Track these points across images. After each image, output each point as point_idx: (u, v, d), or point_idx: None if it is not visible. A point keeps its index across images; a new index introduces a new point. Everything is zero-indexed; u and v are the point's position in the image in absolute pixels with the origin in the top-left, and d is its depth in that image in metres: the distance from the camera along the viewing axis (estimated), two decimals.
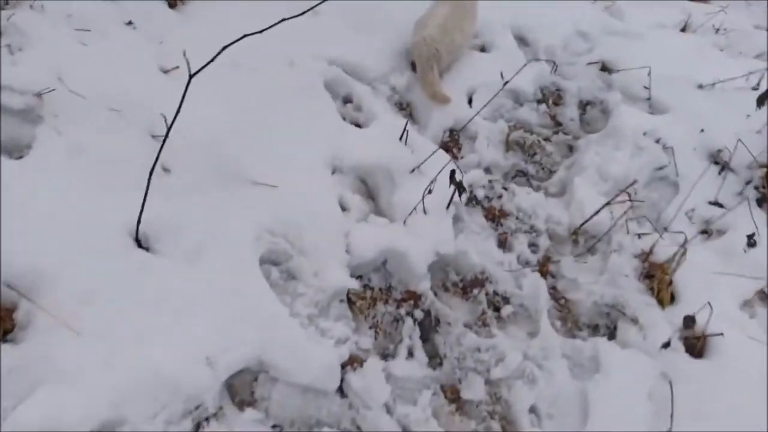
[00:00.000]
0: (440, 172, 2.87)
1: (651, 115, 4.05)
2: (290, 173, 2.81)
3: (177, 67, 2.95)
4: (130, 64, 2.88)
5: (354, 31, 3.98)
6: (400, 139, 3.31)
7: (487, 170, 3.62)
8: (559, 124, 4.06)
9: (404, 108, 3.80)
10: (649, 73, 4.12)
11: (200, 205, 2.51)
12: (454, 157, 3.63)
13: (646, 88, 4.16)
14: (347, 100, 3.62)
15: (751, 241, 2.56)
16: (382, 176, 3.11)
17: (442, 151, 3.42)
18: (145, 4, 3.34)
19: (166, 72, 2.98)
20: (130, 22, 3.13)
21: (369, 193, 3.15)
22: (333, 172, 3.05)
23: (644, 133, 3.78)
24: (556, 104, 4.18)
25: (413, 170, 3.14)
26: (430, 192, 2.80)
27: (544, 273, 3.05)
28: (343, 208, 2.93)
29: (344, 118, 3.43)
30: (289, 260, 2.53)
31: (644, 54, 4.45)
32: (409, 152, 3.25)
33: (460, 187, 2.77)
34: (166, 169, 2.57)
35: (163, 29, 3.23)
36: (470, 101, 3.91)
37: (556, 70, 4.32)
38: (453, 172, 2.73)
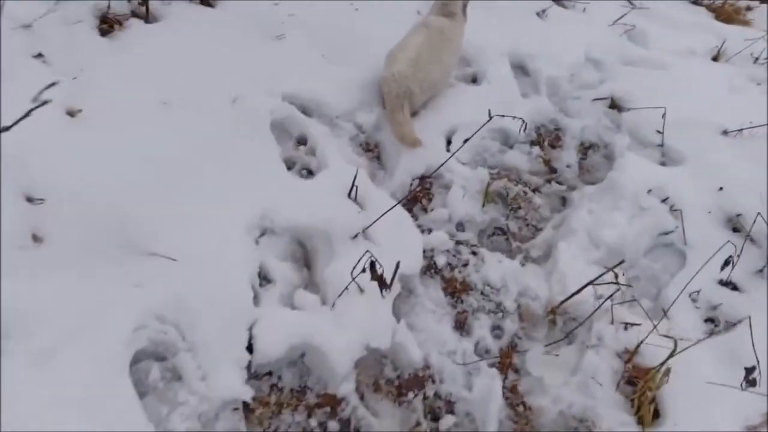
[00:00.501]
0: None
1: (662, 166, 3.48)
2: (201, 241, 2.39)
3: (80, 110, 2.56)
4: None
5: (322, 60, 3.53)
6: (349, 194, 2.83)
7: (460, 227, 3.12)
8: (553, 170, 3.52)
9: (371, 149, 3.33)
10: (663, 115, 3.53)
11: (74, 285, 2.11)
12: (423, 210, 3.15)
13: (659, 132, 3.57)
14: (301, 142, 3.17)
15: (750, 378, 1.96)
16: (320, 240, 2.65)
17: (400, 210, 2.94)
18: (71, 31, 2.95)
19: (71, 115, 2.58)
20: (39, 54, 2.75)
21: (306, 259, 2.70)
22: (262, 234, 2.61)
23: (649, 191, 3.21)
24: (552, 147, 3.63)
25: (356, 235, 2.67)
26: (363, 270, 2.32)
27: (504, 367, 2.55)
28: (267, 280, 2.49)
29: (290, 167, 2.99)
30: (176, 355, 2.10)
31: (664, 88, 3.87)
32: (356, 210, 2.78)
33: (381, 283, 2.29)
34: (37, 239, 2.17)
35: (85, 61, 2.83)
36: (449, 143, 3.41)
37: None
38: (372, 265, 2.24)
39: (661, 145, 3.56)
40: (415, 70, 3.20)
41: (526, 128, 3.03)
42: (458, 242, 3.03)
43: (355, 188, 2.82)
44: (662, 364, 2.29)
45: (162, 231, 2.37)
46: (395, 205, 2.81)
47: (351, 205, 2.82)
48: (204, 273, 2.29)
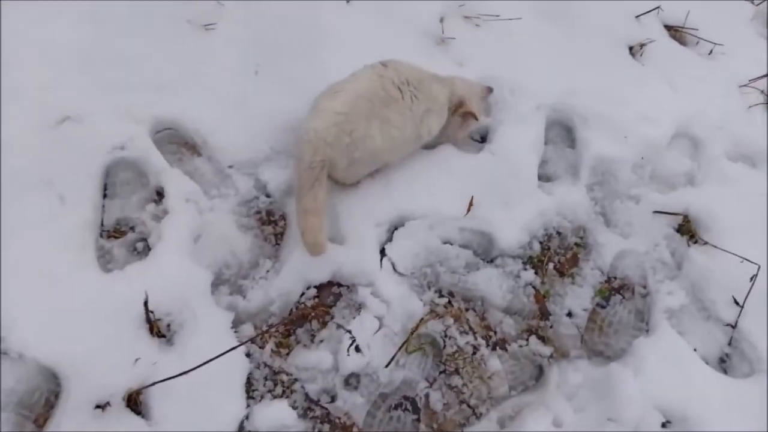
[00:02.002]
0: None
1: (719, 371, 2.08)
2: None
3: None
4: None
5: (248, 71, 2.43)
6: (149, 321, 1.81)
7: (348, 383, 2.01)
8: (545, 315, 2.25)
9: (272, 223, 2.24)
10: (754, 278, 2.10)
11: None
12: (311, 337, 2.06)
13: (736, 303, 2.15)
14: (160, 194, 2.16)
15: None
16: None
17: (241, 356, 1.88)
18: None
19: None
20: None
21: None
22: None
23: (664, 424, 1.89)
24: (560, 273, 2.34)
25: (105, 405, 1.66)
26: None
27: None
28: None
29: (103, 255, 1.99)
30: None
31: None
32: (153, 348, 1.76)
33: None
34: None
35: None
36: (390, 240, 2.24)
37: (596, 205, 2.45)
38: None
39: (733, 327, 2.14)
40: (340, 131, 2.03)
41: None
42: (326, 420, 1.93)
43: (150, 315, 1.78)
44: None
45: None
46: (227, 351, 1.71)
47: (142, 340, 1.79)
48: None
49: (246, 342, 1.89)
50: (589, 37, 2.94)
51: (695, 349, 2.09)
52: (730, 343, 2.11)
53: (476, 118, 2.35)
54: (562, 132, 2.67)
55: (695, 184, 2.57)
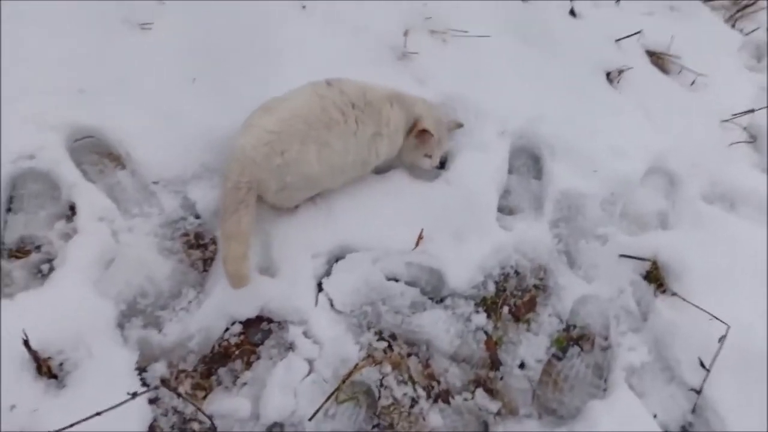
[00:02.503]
0: None
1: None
2: None
3: None
4: None
5: (183, 78, 2.22)
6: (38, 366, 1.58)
7: None
8: (495, 365, 2.04)
9: (200, 246, 2.02)
10: (722, 338, 1.92)
11: None
12: (233, 377, 1.84)
13: (703, 367, 1.96)
14: (73, 209, 1.93)
15: None
16: None
17: (141, 402, 1.65)
18: None
19: None
20: None
21: None
22: None
23: None
24: (516, 318, 2.14)
25: None
26: None
27: None
28: None
29: None
30: None
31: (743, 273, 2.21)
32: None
33: None
34: None
35: None
36: (328, 275, 2.02)
37: (559, 242, 2.25)
38: None
39: (697, 392, 1.94)
40: (271, 151, 1.82)
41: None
42: None
43: (35, 354, 1.55)
44: None
45: None
46: (121, 403, 1.48)
47: (24, 381, 1.56)
48: None
49: (148, 390, 1.66)
50: (563, 60, 2.75)
51: (655, 416, 1.90)
52: (693, 411, 1.91)
53: (431, 134, 2.12)
54: (529, 161, 2.48)
55: (667, 227, 2.38)
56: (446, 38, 2.64)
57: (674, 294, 2.12)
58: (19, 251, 1.83)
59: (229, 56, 2.27)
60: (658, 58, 3.01)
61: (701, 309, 2.00)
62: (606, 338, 2.12)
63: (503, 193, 2.36)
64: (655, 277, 2.19)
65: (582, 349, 2.09)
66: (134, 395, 1.29)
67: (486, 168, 2.31)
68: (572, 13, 3.00)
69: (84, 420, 1.33)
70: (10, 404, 1.51)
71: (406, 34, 2.58)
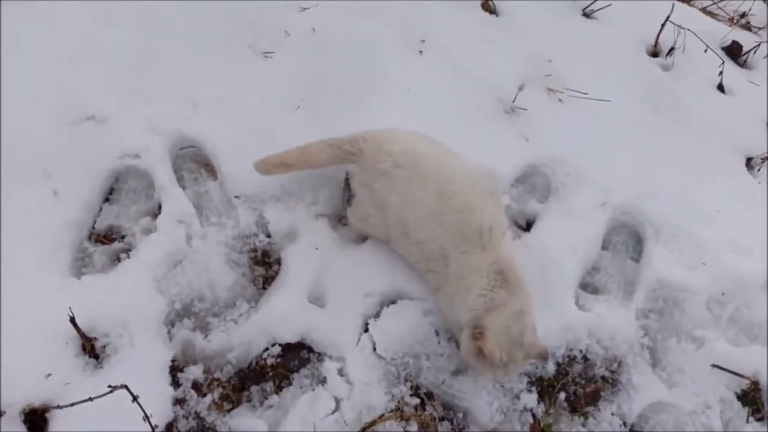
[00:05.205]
0: None
1: None
2: None
3: None
4: None
5: (288, 106, 2.33)
6: None
7: None
8: None
9: (266, 264, 2.10)
10: None
11: None
12: (263, 398, 1.88)
13: None
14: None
15: None
16: None
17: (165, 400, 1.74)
18: None
19: None
20: None
21: None
22: None
23: None
24: (573, 409, 1.93)
25: None
26: None
27: None
28: None
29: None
30: None
31: None
32: None
33: None
34: None
35: None
36: (377, 315, 2.00)
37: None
38: None
39: None
40: (385, 152, 1.92)
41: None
42: None
43: (81, 333, 1.68)
44: None
45: None
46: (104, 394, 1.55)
47: (66, 356, 1.70)
48: None
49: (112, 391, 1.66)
50: (696, 137, 2.49)
51: None
52: None
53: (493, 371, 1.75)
54: (629, 240, 2.26)
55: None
56: (563, 98, 2.51)
57: None
58: (106, 238, 2.01)
59: (337, 89, 2.35)
60: None
61: None
62: None
63: (590, 269, 2.16)
64: (752, 399, 1.86)
65: None
66: (112, 390, 1.33)
67: (573, 237, 2.14)
68: (720, 87, 2.70)
69: (74, 404, 1.41)
70: (47, 372, 1.65)
71: (521, 88, 2.49)
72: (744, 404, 1.87)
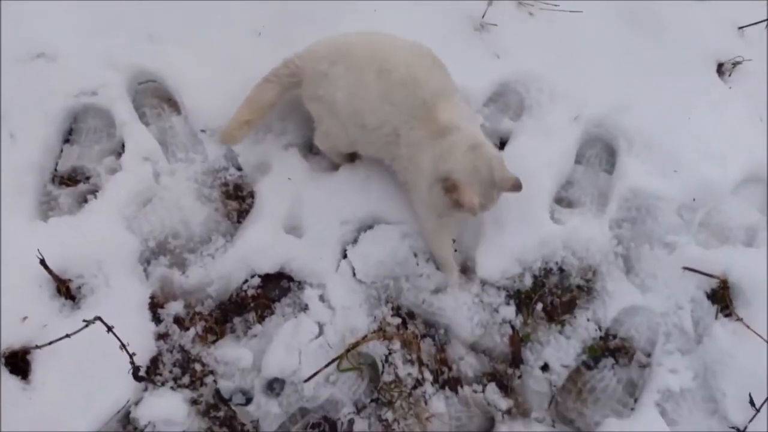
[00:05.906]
0: None
1: None
2: None
3: None
4: None
5: (255, 35, 2.24)
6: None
7: (271, 388, 1.83)
8: (517, 363, 1.91)
9: (239, 198, 2.06)
10: None
11: None
12: (245, 327, 1.89)
13: (752, 404, 1.70)
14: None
15: None
16: None
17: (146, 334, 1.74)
18: None
19: None
20: None
21: None
22: None
23: None
24: (550, 318, 1.98)
25: None
26: None
27: None
28: None
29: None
30: None
31: None
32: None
33: None
34: None
35: None
36: (354, 241, 2.00)
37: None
38: None
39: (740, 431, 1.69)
40: (325, 57, 1.88)
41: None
42: (227, 424, 1.75)
43: (53, 275, 1.66)
44: None
45: None
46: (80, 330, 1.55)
47: (40, 299, 1.69)
48: None
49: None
50: (669, 46, 2.44)
51: None
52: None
53: (473, 213, 1.73)
54: (603, 153, 2.25)
55: (753, 245, 2.07)
56: (533, 11, 2.44)
57: (739, 319, 1.85)
58: (70, 179, 1.97)
59: (300, 13, 2.25)
60: None
61: (765, 340, 1.72)
62: (648, 355, 1.90)
63: (564, 183, 2.17)
64: (722, 297, 1.92)
65: (617, 362, 1.90)
66: (87, 324, 1.33)
67: (547, 154, 2.13)
68: None
69: (51, 342, 1.40)
70: (23, 315, 1.64)
71: (490, 3, 2.41)
72: (713, 302, 1.93)
